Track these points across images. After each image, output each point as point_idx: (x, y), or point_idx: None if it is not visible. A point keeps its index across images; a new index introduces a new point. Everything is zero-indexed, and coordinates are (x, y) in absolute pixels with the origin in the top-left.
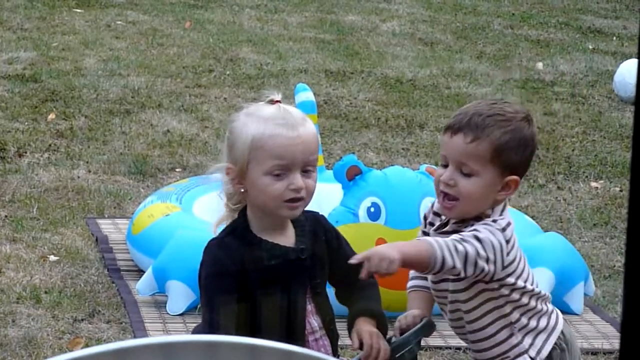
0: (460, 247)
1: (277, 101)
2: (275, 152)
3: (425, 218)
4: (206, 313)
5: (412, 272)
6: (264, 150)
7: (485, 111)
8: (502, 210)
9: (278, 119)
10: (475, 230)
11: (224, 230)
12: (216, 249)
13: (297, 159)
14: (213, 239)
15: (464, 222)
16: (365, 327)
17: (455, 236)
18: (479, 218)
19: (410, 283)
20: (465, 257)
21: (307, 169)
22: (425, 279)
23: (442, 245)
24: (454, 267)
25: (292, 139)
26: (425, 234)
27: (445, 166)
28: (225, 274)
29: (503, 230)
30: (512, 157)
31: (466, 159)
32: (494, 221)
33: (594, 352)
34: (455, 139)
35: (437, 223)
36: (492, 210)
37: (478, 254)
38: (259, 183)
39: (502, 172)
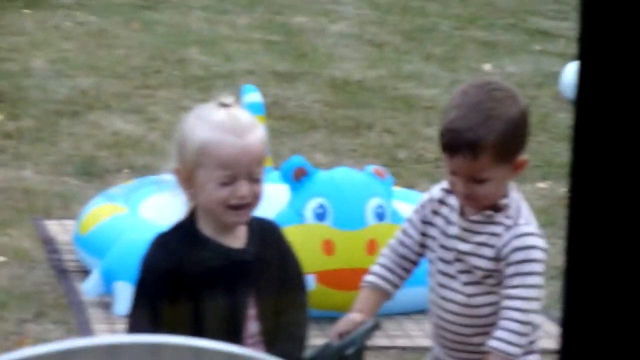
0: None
1: (228, 105)
2: (221, 161)
3: (423, 206)
4: (130, 309)
5: (374, 267)
6: (210, 157)
7: (474, 119)
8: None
9: (227, 125)
10: (524, 287)
11: (172, 225)
12: (155, 246)
13: (243, 168)
14: (158, 234)
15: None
16: None
17: (513, 316)
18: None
19: (368, 277)
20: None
21: (254, 177)
22: (387, 279)
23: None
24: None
25: (239, 148)
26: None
27: (455, 174)
28: (156, 275)
29: (542, 241)
30: (512, 146)
31: (472, 173)
32: (518, 225)
33: (541, 352)
34: (455, 159)
35: (450, 201)
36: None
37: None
38: (205, 188)
39: (509, 162)
